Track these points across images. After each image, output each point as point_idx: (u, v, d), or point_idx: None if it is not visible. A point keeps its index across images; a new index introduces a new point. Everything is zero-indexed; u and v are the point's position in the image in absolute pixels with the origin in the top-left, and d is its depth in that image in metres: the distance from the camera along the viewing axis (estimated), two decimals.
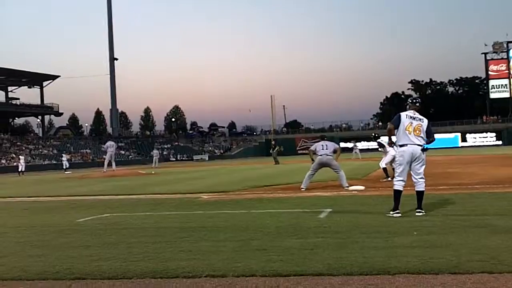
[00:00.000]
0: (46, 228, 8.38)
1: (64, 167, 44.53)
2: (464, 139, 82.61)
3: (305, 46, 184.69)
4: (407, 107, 8.52)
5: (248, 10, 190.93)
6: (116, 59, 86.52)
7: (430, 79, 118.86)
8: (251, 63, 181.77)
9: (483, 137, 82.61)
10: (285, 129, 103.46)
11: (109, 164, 32.35)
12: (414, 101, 8.63)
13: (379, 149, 17.49)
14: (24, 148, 64.50)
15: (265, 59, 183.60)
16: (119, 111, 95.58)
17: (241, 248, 5.91)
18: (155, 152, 50.19)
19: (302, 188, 13.65)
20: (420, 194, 8.26)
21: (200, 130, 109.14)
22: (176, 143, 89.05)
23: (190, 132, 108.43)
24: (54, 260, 5.70)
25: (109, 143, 33.71)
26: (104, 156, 34.42)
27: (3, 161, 57.12)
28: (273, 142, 44.37)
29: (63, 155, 48.53)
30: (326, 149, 13.64)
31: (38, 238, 7.34)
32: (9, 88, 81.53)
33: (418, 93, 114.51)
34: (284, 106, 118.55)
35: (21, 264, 5.55)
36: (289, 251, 5.62)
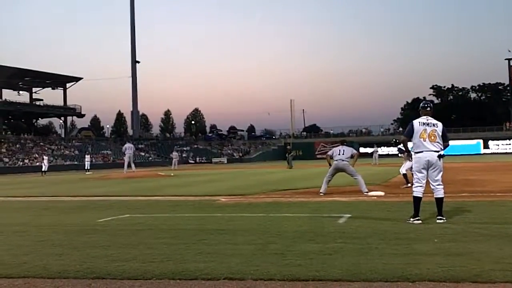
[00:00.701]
0: (67, 228, 8.48)
1: (86, 168, 45.02)
2: (486, 146, 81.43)
3: (326, 50, 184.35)
4: (420, 112, 8.40)
5: (267, 14, 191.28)
6: (138, 62, 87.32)
7: (452, 85, 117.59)
8: (271, 67, 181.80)
9: (506, 144, 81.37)
10: (304, 133, 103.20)
11: (129, 166, 32.75)
12: (425, 106, 8.45)
13: (400, 155, 17.36)
14: (46, 148, 65.35)
15: (285, 63, 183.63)
16: (140, 113, 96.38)
17: (259, 252, 5.91)
18: (174, 154, 50.43)
19: (320, 193, 13.61)
20: (439, 201, 8.16)
21: (219, 133, 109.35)
22: (195, 146, 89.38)
23: (209, 135, 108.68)
24: (75, 259, 5.77)
25: (127, 145, 34.31)
26: (124, 158, 34.82)
27: (26, 161, 57.92)
28: (288, 147, 44.36)
29: (86, 156, 49.02)
30: (343, 154, 13.64)
31: (59, 237, 7.43)
32: (34, 89, 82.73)
33: (439, 99, 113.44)
34: (303, 110, 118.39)
35: (43, 263, 5.63)
36: (307, 255, 5.61)
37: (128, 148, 33.57)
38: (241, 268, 5.07)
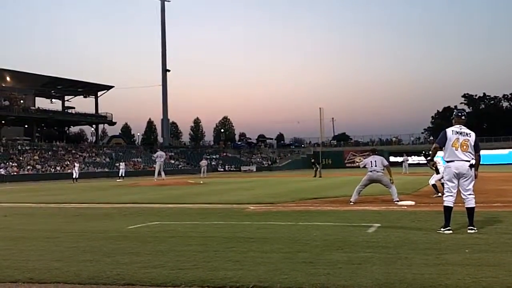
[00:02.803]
0: (97, 234, 8.60)
1: (120, 175, 45.47)
2: None
3: (355, 58, 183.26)
4: (453, 121, 8.28)
5: (298, 23, 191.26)
6: (168, 70, 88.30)
7: (484, 93, 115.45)
8: (300, 75, 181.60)
9: None
10: (333, 141, 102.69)
11: (159, 173, 33.21)
12: (460, 114, 8.30)
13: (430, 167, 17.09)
14: (78, 155, 66.48)
15: (314, 71, 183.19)
16: (170, 121, 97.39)
17: (288, 260, 5.91)
18: (203, 162, 50.70)
19: (350, 202, 13.52)
20: (470, 210, 8.02)
21: (248, 141, 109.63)
22: (225, 154, 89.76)
23: (239, 143, 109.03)
24: (105, 265, 5.85)
25: (159, 153, 35.02)
26: (154, 165, 35.28)
27: (58, 168, 58.99)
28: (312, 160, 44.52)
29: (121, 163, 49.57)
30: (376, 165, 13.58)
31: (89, 244, 7.55)
32: (66, 98, 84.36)
33: (471, 108, 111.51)
34: (333, 118, 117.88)
35: (74, 269, 5.73)
36: (336, 265, 5.58)
37: (160, 156, 34.28)
38: (270, 276, 5.08)
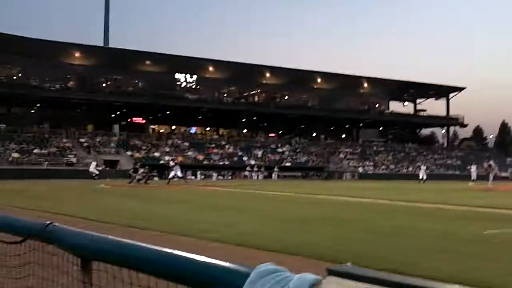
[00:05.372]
0: (450, 236, 8.62)
1: (473, 179, 43.92)
2: None
3: None
4: None
5: None
6: None
7: None
8: None
9: None
10: None
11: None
12: None
13: None
14: (429, 157, 67.00)
15: None
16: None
17: None
18: None
19: None
20: None
21: None
22: None
23: None
24: (464, 266, 5.88)
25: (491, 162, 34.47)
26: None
27: (410, 169, 60.52)
28: None
29: (472, 166, 48.01)
30: None
31: (444, 243, 7.64)
32: (417, 101, 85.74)
33: None
34: None
35: (435, 265, 5.93)
36: None
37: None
38: None
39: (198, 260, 1.30)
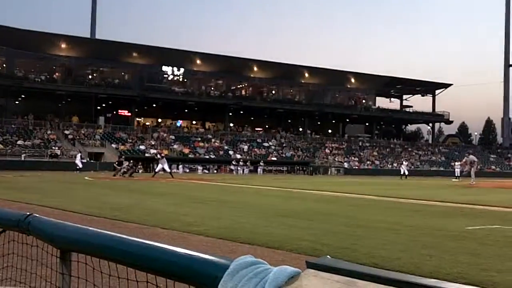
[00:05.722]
0: (435, 231, 8.71)
1: (456, 175, 44.41)
2: None
3: None
4: None
5: None
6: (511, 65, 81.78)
7: None
8: None
9: None
10: None
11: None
12: None
13: None
14: (414, 153, 67.53)
15: None
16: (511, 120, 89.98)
17: None
18: None
19: None
20: None
21: None
22: None
23: None
24: (445, 262, 5.95)
25: (471, 157, 34.25)
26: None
27: (395, 165, 60.94)
28: None
29: (456, 163, 48.40)
30: None
31: (429, 240, 7.72)
32: (404, 97, 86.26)
33: None
34: None
35: (415, 261, 5.99)
36: None
37: (471, 160, 33.60)
38: None
39: (177, 252, 1.30)
